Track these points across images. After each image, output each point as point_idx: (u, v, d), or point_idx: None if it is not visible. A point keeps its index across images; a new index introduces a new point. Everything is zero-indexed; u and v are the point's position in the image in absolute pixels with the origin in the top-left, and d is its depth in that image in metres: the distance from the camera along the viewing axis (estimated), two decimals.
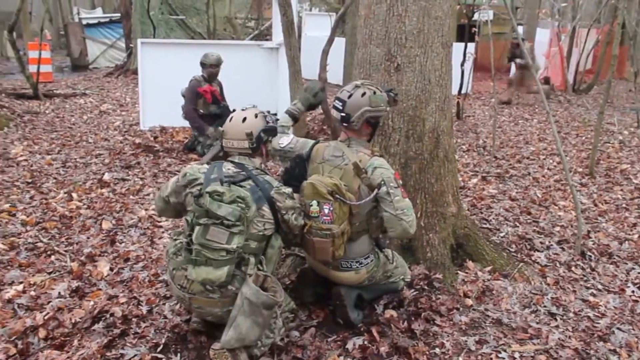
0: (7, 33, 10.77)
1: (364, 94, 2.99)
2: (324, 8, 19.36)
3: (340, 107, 3.03)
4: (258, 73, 8.34)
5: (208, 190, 2.63)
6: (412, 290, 3.38)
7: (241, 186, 2.72)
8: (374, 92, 3.02)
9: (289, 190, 2.82)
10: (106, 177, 5.61)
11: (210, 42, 9.24)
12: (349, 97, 3.01)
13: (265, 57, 8.51)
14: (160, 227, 4.41)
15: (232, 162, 2.88)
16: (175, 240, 2.81)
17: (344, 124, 3.06)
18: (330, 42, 5.33)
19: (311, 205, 2.84)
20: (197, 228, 2.61)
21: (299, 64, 6.88)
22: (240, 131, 2.87)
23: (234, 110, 6.67)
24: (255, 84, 8.08)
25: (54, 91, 11.23)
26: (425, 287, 3.43)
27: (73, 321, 3.06)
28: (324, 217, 2.84)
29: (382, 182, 2.88)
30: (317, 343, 2.92)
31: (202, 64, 6.59)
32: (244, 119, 2.90)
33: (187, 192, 2.81)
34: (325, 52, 5.35)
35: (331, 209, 2.83)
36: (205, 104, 6.64)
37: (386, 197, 2.89)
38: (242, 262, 2.67)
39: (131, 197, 5.12)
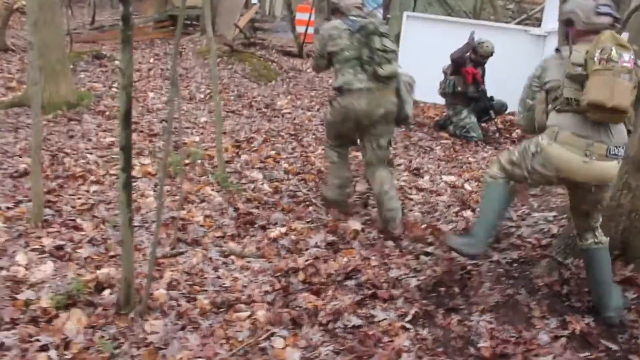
0: None
1: None
2: None
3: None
4: (520, 60, 7.91)
5: None
6: None
7: None
8: None
9: None
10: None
11: (475, 22, 9.02)
12: None
13: (531, 44, 8.06)
14: (412, 199, 4.48)
15: None
16: None
17: None
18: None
19: (611, 50, 2.58)
20: None
21: None
22: None
23: (491, 98, 6.53)
24: (514, 72, 7.68)
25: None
26: None
27: (328, 272, 3.26)
28: (624, 63, 2.57)
29: None
30: (567, 356, 2.74)
31: (474, 50, 6.47)
32: None
33: None
34: None
35: (631, 56, 2.55)
36: (465, 84, 6.55)
37: None
38: None
39: None
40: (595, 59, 2.54)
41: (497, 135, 6.65)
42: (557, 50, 2.92)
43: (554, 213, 4.17)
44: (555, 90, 2.79)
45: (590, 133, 2.67)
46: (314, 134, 6.00)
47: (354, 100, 3.76)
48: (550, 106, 2.84)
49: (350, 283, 3.16)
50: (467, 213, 4.25)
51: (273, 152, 5.30)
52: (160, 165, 4.57)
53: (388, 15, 16.55)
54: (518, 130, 6.86)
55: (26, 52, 8.54)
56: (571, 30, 2.82)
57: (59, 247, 3.40)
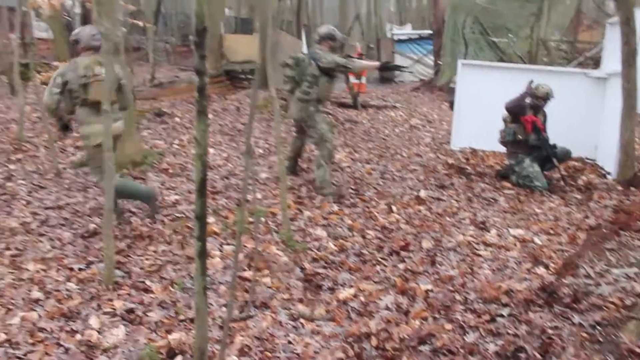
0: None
1: None
2: None
3: None
4: (579, 104, 7.75)
5: None
6: None
7: None
8: None
9: None
10: (422, 194, 5.79)
11: (530, 67, 8.94)
12: None
13: (590, 87, 7.89)
14: (480, 255, 4.36)
15: None
16: None
17: None
18: None
19: None
20: None
21: (635, 98, 6.25)
22: None
23: (553, 146, 6.39)
24: (574, 116, 7.54)
25: (369, 102, 12.08)
26: None
27: (401, 336, 3.16)
28: None
29: None
30: None
31: (531, 94, 6.37)
32: None
33: None
34: None
35: None
36: (525, 132, 6.43)
37: None
38: None
39: (447, 218, 5.19)
40: None
41: (562, 183, 6.46)
42: None
43: (634, 269, 3.97)
44: None
45: None
46: (374, 188, 5.97)
47: None
48: None
49: (425, 348, 3.05)
50: (540, 270, 4.09)
51: (336, 208, 5.28)
52: (237, 226, 4.62)
53: (439, 62, 16.67)
54: (584, 177, 6.66)
55: None
56: None
57: (130, 310, 3.43)
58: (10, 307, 3.42)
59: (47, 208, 5.21)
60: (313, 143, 5.81)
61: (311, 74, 5.53)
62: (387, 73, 19.19)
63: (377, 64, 6.36)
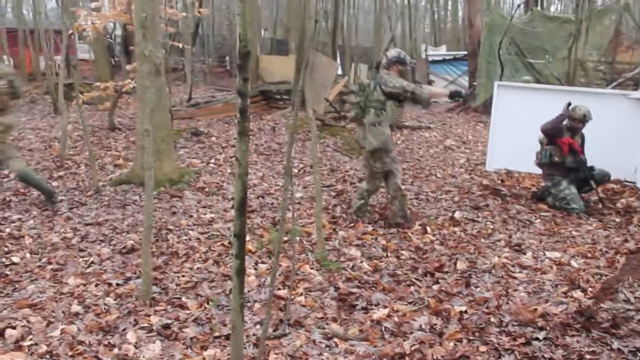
0: (369, 68, 12.06)
1: None
2: None
3: None
4: (618, 126, 7.61)
5: None
6: None
7: None
8: None
9: None
10: (457, 215, 5.75)
11: (567, 89, 8.84)
12: None
13: (630, 108, 7.75)
14: (515, 278, 4.30)
15: None
16: None
17: None
18: None
19: None
20: None
21: None
22: None
23: (591, 168, 6.29)
24: (613, 138, 7.40)
25: (403, 123, 12.10)
26: None
27: (434, 357, 3.14)
28: None
29: None
30: None
31: (568, 116, 6.30)
32: None
33: None
34: None
35: None
36: (562, 154, 6.35)
37: None
38: None
39: (482, 240, 5.14)
40: None
41: (599, 206, 6.34)
42: None
43: None
44: None
45: None
46: (409, 209, 5.95)
47: None
48: None
49: None
50: (577, 293, 4.02)
51: (370, 228, 5.29)
52: (274, 245, 4.67)
53: (474, 83, 16.60)
54: (623, 200, 6.53)
55: (131, 131, 9.13)
56: None
57: (166, 326, 3.49)
58: (52, 320, 3.51)
59: (87, 224, 5.35)
60: (376, 171, 5.50)
61: (377, 100, 5.30)
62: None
63: (446, 92, 6.03)
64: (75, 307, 3.68)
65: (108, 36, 17.21)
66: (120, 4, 8.39)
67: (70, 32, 8.46)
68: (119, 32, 18.53)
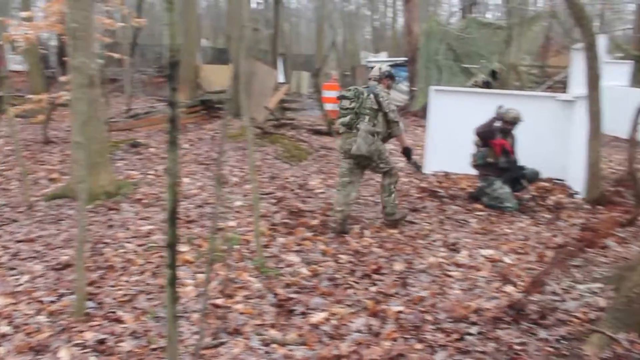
0: (311, 76, 12.17)
1: None
2: (618, 55, 17.88)
3: None
4: (549, 127, 7.91)
5: None
6: None
7: None
8: None
9: None
10: None
11: (501, 92, 9.14)
12: None
13: (559, 110, 8.07)
14: (451, 276, 4.42)
15: None
16: None
17: None
18: None
19: None
20: None
21: (600, 120, 6.43)
22: None
23: (522, 167, 6.53)
24: (543, 138, 7.69)
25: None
26: None
27: (371, 357, 3.20)
28: None
29: None
30: None
31: (500, 119, 6.52)
32: None
33: None
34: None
35: None
36: (495, 155, 6.56)
37: None
38: None
39: (419, 241, 5.24)
40: None
41: (532, 203, 6.58)
42: None
43: (598, 284, 4.06)
44: None
45: None
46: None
47: None
48: None
49: None
50: (509, 288, 4.16)
51: (309, 234, 5.32)
52: (208, 253, 4.64)
53: (413, 88, 16.92)
54: (553, 197, 6.79)
55: (67, 144, 8.89)
56: None
57: (101, 341, 3.43)
58: None
59: (18, 241, 5.18)
60: (382, 172, 5.61)
61: (370, 108, 5.41)
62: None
63: (405, 143, 5.99)
64: (4, 328, 3.56)
65: (42, 47, 16.72)
66: (54, 14, 8.16)
67: (0, 42, 8.18)
68: (54, 42, 18.04)
